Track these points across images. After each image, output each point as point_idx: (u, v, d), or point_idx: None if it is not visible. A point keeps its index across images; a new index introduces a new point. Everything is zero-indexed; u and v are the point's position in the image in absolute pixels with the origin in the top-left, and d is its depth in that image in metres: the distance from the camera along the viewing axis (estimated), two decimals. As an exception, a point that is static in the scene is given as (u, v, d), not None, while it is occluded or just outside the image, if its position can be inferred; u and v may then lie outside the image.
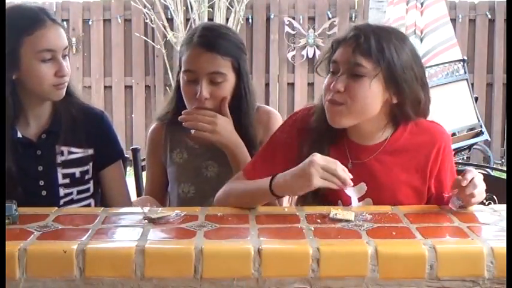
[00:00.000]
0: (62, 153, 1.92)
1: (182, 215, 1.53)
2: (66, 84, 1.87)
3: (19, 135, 1.89)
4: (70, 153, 1.93)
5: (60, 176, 1.92)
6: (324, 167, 1.54)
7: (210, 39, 1.93)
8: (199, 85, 1.91)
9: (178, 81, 2.02)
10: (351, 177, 1.57)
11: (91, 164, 1.97)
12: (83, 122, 1.94)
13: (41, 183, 1.90)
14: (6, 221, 1.45)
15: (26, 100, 1.87)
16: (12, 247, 1.30)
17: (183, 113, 1.94)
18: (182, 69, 1.96)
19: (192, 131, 1.92)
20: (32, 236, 1.39)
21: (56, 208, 1.65)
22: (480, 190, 1.60)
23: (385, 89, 1.67)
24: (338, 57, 1.69)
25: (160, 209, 1.59)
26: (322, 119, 1.72)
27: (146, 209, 1.54)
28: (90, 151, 1.96)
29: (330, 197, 1.72)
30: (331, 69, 1.71)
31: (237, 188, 1.73)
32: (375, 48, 1.64)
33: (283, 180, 1.60)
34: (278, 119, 2.05)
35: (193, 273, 1.29)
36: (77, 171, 1.94)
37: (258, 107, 2.07)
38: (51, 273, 1.30)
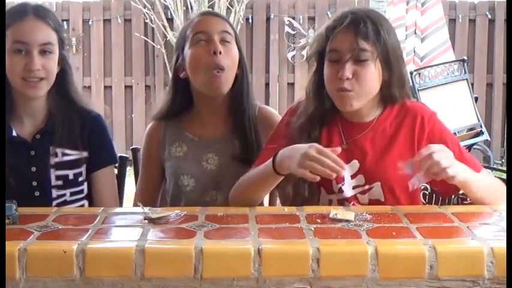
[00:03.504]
0: (55, 155, 1.90)
1: (182, 215, 1.53)
2: (40, 81, 1.82)
3: (14, 133, 1.88)
4: (64, 155, 1.92)
5: (53, 178, 1.90)
6: (313, 158, 1.55)
7: (218, 13, 2.16)
8: (212, 42, 1.96)
9: (175, 77, 2.05)
10: (344, 169, 1.58)
11: (85, 166, 1.95)
12: (79, 124, 1.93)
13: (34, 184, 1.89)
14: (6, 221, 1.46)
15: (15, 96, 1.86)
16: (12, 247, 1.30)
17: None
18: (193, 34, 1.99)
19: None
20: (32, 236, 1.39)
21: (56, 208, 1.65)
22: (443, 162, 1.55)
23: (382, 69, 1.75)
24: (339, 45, 1.74)
25: (160, 209, 1.59)
26: (316, 105, 1.80)
27: (146, 209, 1.54)
28: (85, 154, 1.95)
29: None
30: (329, 59, 1.76)
31: (245, 177, 1.79)
32: (372, 32, 1.72)
33: (281, 159, 1.65)
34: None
35: (193, 273, 1.29)
36: (70, 173, 1.93)
37: (260, 107, 2.09)
38: (51, 273, 1.30)
